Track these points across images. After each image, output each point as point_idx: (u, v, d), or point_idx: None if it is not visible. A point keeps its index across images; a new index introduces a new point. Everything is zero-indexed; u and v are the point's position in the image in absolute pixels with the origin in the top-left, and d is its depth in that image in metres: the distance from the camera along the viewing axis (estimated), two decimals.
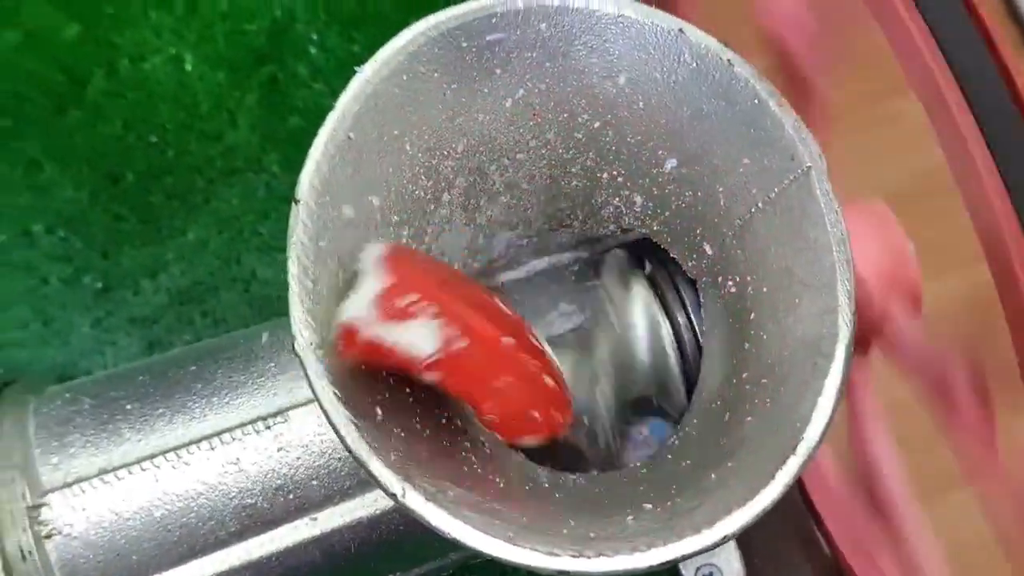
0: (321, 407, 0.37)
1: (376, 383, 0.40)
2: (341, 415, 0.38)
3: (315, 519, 0.48)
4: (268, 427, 0.48)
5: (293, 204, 0.41)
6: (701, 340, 0.48)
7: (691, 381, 0.49)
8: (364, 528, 0.48)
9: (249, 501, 0.47)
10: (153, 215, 0.73)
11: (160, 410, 0.48)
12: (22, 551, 0.45)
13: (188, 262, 0.71)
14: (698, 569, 0.59)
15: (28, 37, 0.76)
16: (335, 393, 0.38)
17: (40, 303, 0.71)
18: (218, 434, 0.47)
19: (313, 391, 0.38)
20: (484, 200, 0.49)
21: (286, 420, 0.47)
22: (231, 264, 0.71)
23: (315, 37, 0.76)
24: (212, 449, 0.47)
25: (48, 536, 0.46)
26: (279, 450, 0.48)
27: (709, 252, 0.47)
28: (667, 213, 0.49)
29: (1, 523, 0.45)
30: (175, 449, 0.47)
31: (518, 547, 0.37)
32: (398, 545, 0.49)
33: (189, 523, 0.47)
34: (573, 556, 0.38)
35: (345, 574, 0.48)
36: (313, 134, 0.64)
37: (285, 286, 0.47)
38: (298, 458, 0.47)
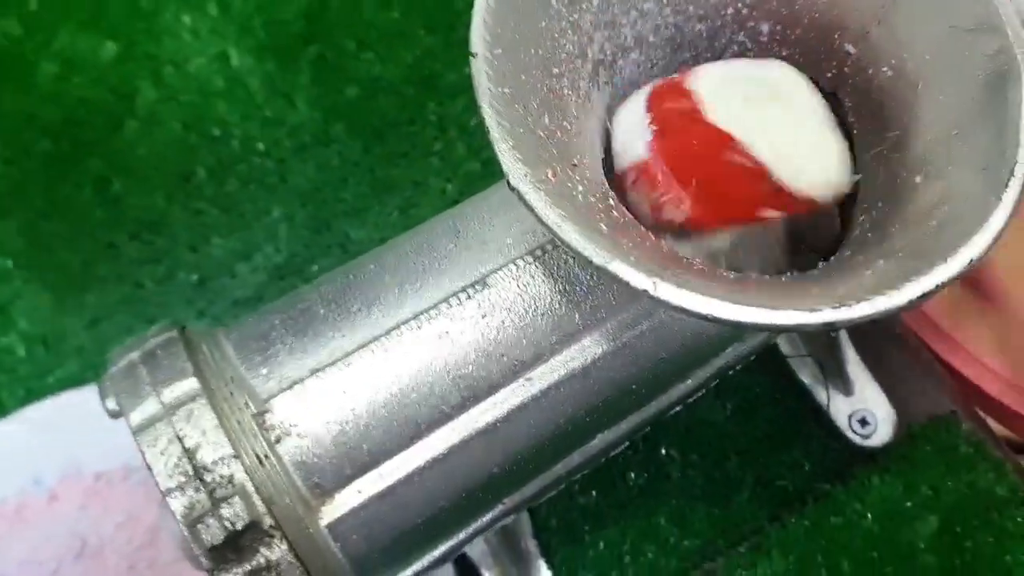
0: (551, 230, 0.38)
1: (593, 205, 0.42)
2: (572, 232, 0.39)
3: (529, 379, 0.48)
4: (469, 296, 0.48)
5: (471, 58, 0.43)
6: None
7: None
8: (577, 379, 0.48)
9: (464, 371, 0.47)
10: (233, 203, 0.73)
11: (355, 307, 0.48)
12: (258, 457, 0.45)
13: (279, 239, 0.71)
14: (851, 415, 0.61)
15: (67, 65, 0.77)
16: (561, 214, 0.39)
17: (140, 307, 0.71)
18: (421, 313, 0.48)
19: (538, 216, 0.39)
20: (619, 56, 0.51)
21: (485, 286, 0.48)
22: (322, 232, 0.71)
23: (351, 11, 0.77)
24: (419, 328, 0.47)
25: (278, 440, 0.46)
26: (483, 316, 0.48)
27: (852, 51, 0.49)
28: (798, 31, 0.51)
29: (234, 433, 0.44)
30: (381, 336, 0.47)
31: (779, 310, 0.38)
32: (609, 394, 0.49)
33: (411, 403, 0.47)
34: (834, 308, 0.39)
35: (562, 431, 0.49)
36: (374, 100, 0.66)
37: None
38: (503, 321, 0.48)
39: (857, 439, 0.64)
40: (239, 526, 0.42)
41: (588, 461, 0.52)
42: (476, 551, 0.62)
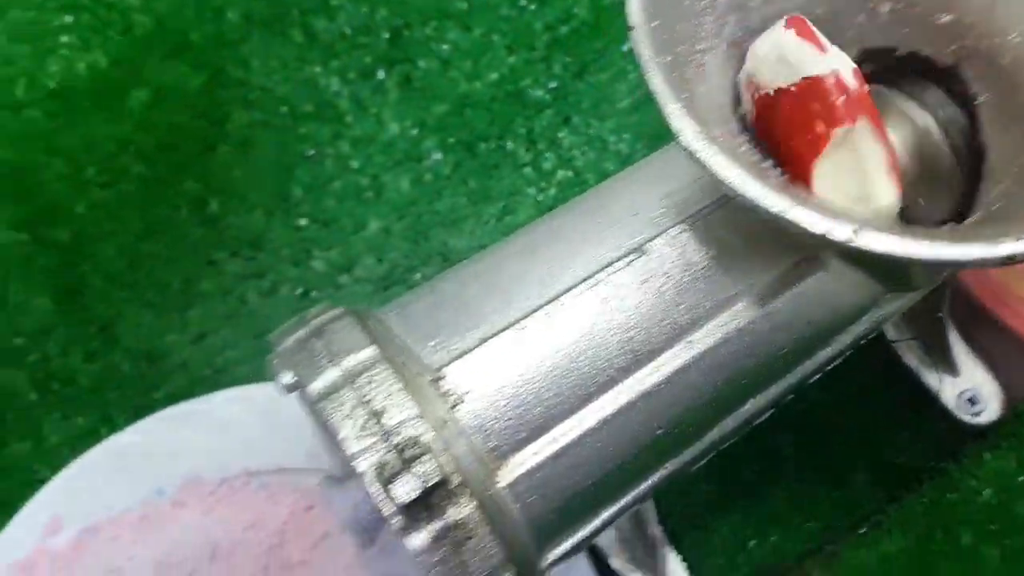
0: (731, 185, 0.40)
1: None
2: (756, 187, 0.41)
3: (690, 342, 0.49)
4: (627, 264, 0.50)
5: (630, 31, 0.45)
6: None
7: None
8: (732, 342, 0.50)
9: (628, 335, 0.49)
10: (331, 218, 0.75)
11: (509, 282, 0.50)
12: (440, 420, 0.46)
13: (379, 251, 0.73)
14: (960, 395, 0.62)
15: (156, 93, 0.79)
16: (740, 170, 0.41)
17: (245, 321, 0.72)
18: (581, 282, 0.49)
19: (717, 172, 0.41)
20: (748, 38, 0.53)
21: (642, 254, 0.50)
22: (420, 242, 0.73)
23: (434, 33, 0.80)
24: (581, 295, 0.49)
25: (455, 405, 0.47)
26: (643, 282, 0.50)
27: (975, 22, 0.52)
28: (917, 9, 0.53)
29: (415, 398, 0.45)
30: (544, 305, 0.49)
31: (969, 245, 0.40)
32: (760, 356, 0.51)
33: (579, 368, 0.48)
34: (1016, 240, 0.40)
35: (719, 393, 0.50)
36: (462, 116, 0.68)
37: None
38: (661, 286, 0.50)
39: (967, 418, 0.66)
40: (432, 482, 0.43)
41: (739, 427, 0.53)
42: (605, 538, 0.62)
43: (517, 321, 0.48)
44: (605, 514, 0.50)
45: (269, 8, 0.79)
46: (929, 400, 0.66)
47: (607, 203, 0.52)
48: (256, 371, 0.69)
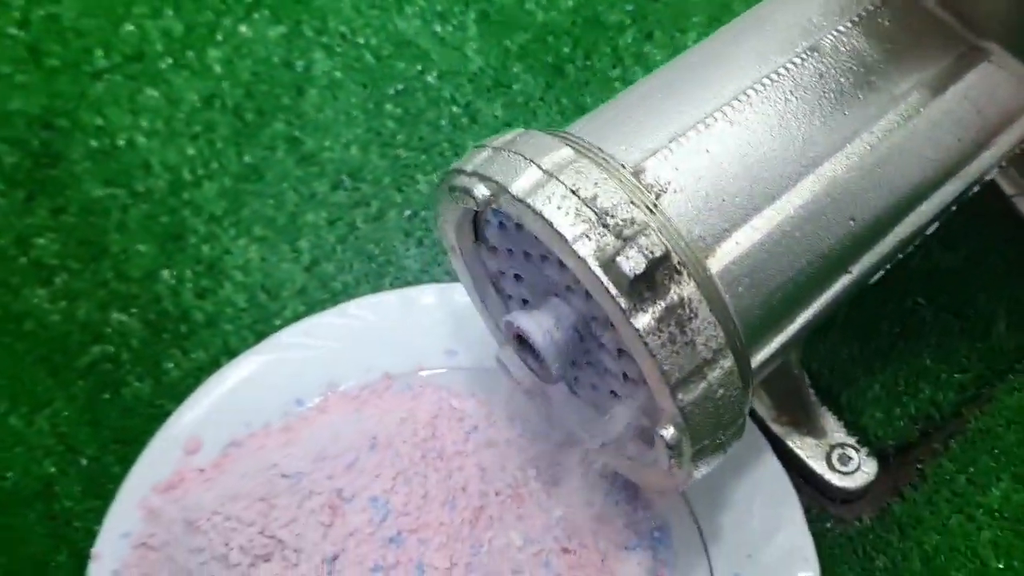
0: None
1: None
2: None
3: (872, 132, 0.50)
4: (803, 61, 0.51)
5: None
6: None
7: None
8: (912, 129, 0.51)
9: (813, 126, 0.50)
10: (429, 145, 0.75)
11: (690, 87, 0.50)
12: (646, 207, 0.46)
13: None
14: None
15: (236, 50, 0.79)
16: None
17: (358, 245, 0.71)
18: (763, 79, 0.50)
19: None
20: None
21: (817, 50, 0.51)
22: None
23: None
24: (764, 90, 0.50)
25: (658, 196, 0.47)
26: (820, 77, 0.50)
27: None
28: None
29: (622, 187, 0.45)
30: (731, 101, 0.49)
31: None
32: (938, 146, 0.51)
33: (771, 159, 0.49)
34: None
35: (906, 181, 0.50)
36: (545, 43, 0.68)
37: None
38: (840, 81, 0.51)
39: None
40: (656, 254, 0.42)
41: (915, 233, 0.53)
42: (762, 407, 0.62)
43: (706, 118, 0.49)
44: (801, 318, 0.50)
45: None
46: None
47: (770, 15, 0.53)
48: (376, 290, 0.68)
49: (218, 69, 0.79)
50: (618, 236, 0.44)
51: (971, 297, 0.66)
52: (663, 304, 0.44)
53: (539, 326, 0.49)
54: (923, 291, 0.66)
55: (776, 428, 0.62)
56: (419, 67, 0.79)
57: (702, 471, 0.48)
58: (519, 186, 0.45)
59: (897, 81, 0.51)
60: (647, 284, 0.43)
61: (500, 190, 0.46)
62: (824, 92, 0.50)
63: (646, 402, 0.49)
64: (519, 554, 0.56)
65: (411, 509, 0.58)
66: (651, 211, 0.45)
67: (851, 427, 0.63)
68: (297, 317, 0.68)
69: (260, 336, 0.67)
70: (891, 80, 0.51)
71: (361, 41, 0.80)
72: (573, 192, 0.45)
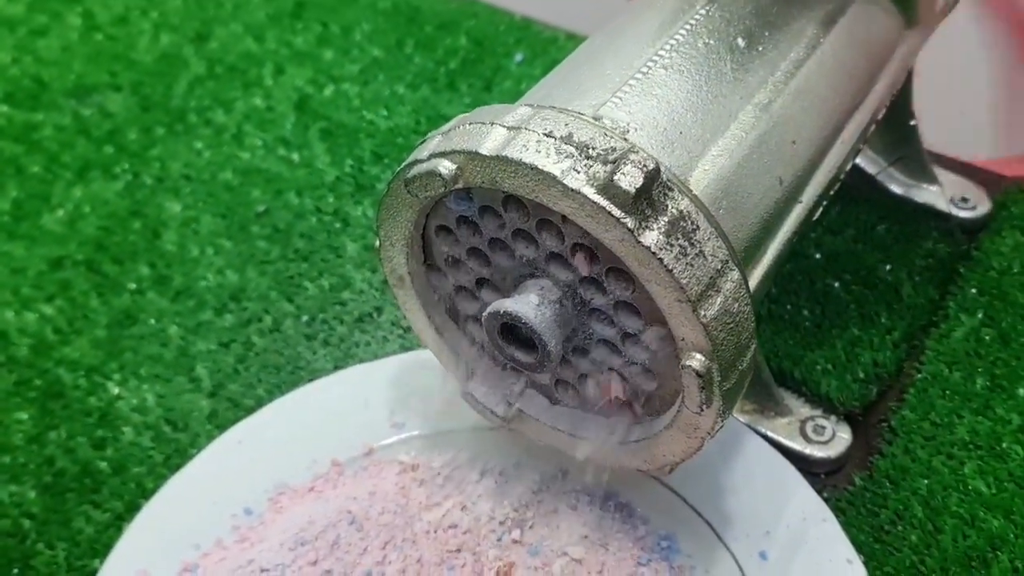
0: None
1: None
2: None
3: (787, 62, 0.53)
4: (707, 11, 0.53)
5: None
6: None
7: None
8: (817, 57, 0.54)
9: (739, 63, 0.52)
10: (308, 252, 0.73)
11: (615, 52, 0.52)
12: (620, 138, 0.46)
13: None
14: (951, 199, 0.69)
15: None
16: None
17: (260, 360, 0.68)
18: (677, 31, 0.52)
19: None
20: None
21: (713, 3, 0.53)
22: None
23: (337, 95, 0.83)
24: (683, 37, 0.52)
25: (624, 133, 0.47)
26: (727, 23, 0.53)
27: None
28: None
29: (588, 125, 0.46)
30: (657, 51, 0.51)
31: None
32: (841, 72, 0.55)
33: (711, 92, 0.50)
34: None
35: (826, 105, 0.53)
36: (397, 145, 0.71)
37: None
38: (746, 22, 0.53)
39: (965, 214, 0.71)
40: (651, 166, 0.43)
41: (837, 170, 0.55)
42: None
43: (641, 67, 0.50)
44: (773, 246, 0.50)
45: None
46: (927, 211, 0.71)
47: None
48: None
49: (60, 230, 0.75)
50: (605, 163, 0.43)
51: (872, 269, 0.68)
52: (665, 219, 0.43)
53: (527, 304, 0.47)
54: (828, 274, 0.68)
55: (743, 418, 0.61)
56: (276, 188, 0.77)
57: (727, 412, 0.47)
58: (489, 146, 0.44)
59: (795, 18, 0.54)
60: (647, 200, 0.43)
61: (467, 158, 0.45)
62: (735, 34, 0.52)
63: (655, 350, 0.47)
64: None
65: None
66: (625, 141, 0.45)
67: (812, 401, 0.62)
68: None
69: (178, 471, 0.61)
70: (790, 18, 0.53)
71: (207, 178, 0.78)
72: (547, 135, 0.44)
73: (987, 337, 0.65)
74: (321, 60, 0.86)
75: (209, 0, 0.92)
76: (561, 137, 0.44)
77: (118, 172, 0.78)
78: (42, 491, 0.62)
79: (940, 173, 0.72)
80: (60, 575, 0.58)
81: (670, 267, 0.43)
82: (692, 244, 0.43)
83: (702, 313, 0.43)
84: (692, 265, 0.43)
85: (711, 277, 0.44)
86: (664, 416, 0.50)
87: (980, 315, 0.66)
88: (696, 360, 0.44)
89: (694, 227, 0.44)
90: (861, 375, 0.63)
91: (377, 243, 0.53)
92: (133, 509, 0.59)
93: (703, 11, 0.53)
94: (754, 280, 0.49)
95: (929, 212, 0.72)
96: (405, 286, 0.53)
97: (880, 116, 0.59)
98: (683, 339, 0.45)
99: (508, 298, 0.48)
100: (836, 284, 0.68)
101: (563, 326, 0.48)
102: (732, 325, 0.44)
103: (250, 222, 0.75)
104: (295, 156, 0.79)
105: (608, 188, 0.42)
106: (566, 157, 0.43)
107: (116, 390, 0.66)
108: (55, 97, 0.84)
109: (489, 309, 0.48)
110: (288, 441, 0.60)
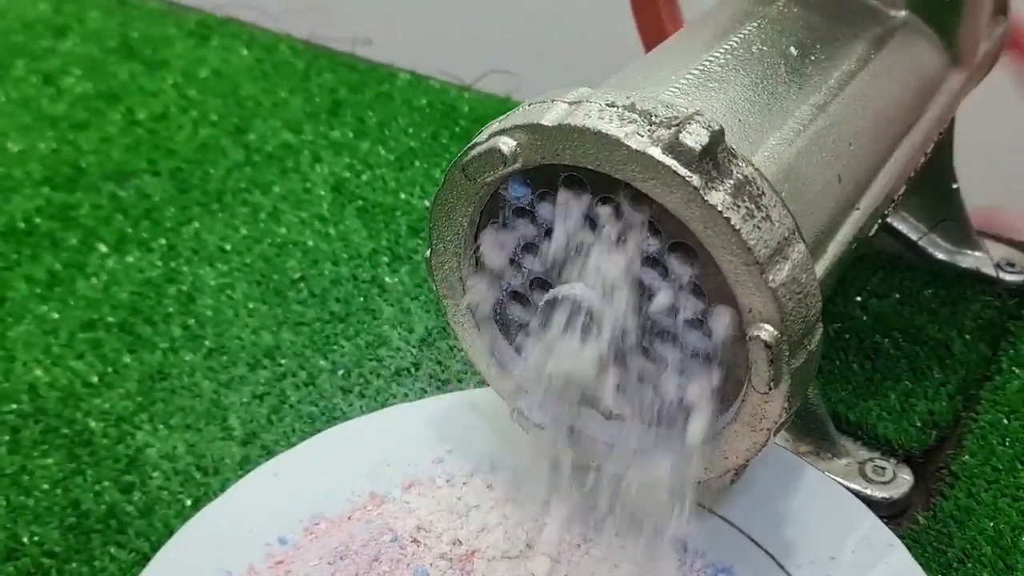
0: None
1: None
2: None
3: (837, 76, 0.54)
4: (758, 25, 0.55)
5: None
6: None
7: None
8: (864, 79, 0.55)
9: (798, 74, 0.53)
10: (345, 314, 0.73)
11: (670, 58, 0.53)
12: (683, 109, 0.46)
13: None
14: (997, 264, 0.69)
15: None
16: None
17: (294, 412, 0.67)
18: (728, 40, 0.53)
19: None
20: None
21: (764, 19, 0.55)
22: None
23: None
24: (735, 44, 0.53)
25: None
26: (779, 34, 0.55)
27: None
28: None
29: (650, 99, 0.46)
30: (710, 54, 0.52)
31: None
32: (888, 96, 0.56)
33: (768, 89, 0.51)
34: None
35: (878, 122, 0.54)
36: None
37: None
38: (798, 34, 0.55)
39: (1013, 277, 0.71)
40: (715, 127, 0.43)
41: (892, 187, 0.55)
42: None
43: (697, 66, 0.51)
44: (832, 246, 0.50)
45: None
46: (970, 276, 0.71)
47: (704, 18, 0.56)
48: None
49: (93, 295, 0.74)
50: (669, 127, 0.43)
51: (920, 328, 0.67)
52: (731, 182, 0.43)
53: (588, 287, 0.46)
54: (877, 332, 0.67)
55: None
56: (312, 259, 0.77)
57: (796, 398, 0.45)
58: (551, 118, 0.45)
59: (845, 35, 0.55)
60: (713, 162, 0.42)
61: (528, 132, 0.45)
62: (787, 44, 0.53)
63: (719, 334, 0.46)
64: None
65: None
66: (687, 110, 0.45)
67: (869, 445, 0.60)
68: None
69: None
70: (840, 35, 0.55)
71: (243, 249, 0.78)
72: (609, 105, 0.44)
73: None
74: (358, 150, 0.87)
75: (248, 99, 0.94)
76: (624, 106, 0.44)
77: (154, 246, 0.78)
78: (65, 531, 0.59)
79: (983, 241, 0.72)
80: None
81: (737, 227, 0.42)
82: (759, 207, 0.43)
83: (770, 277, 0.42)
84: (759, 228, 0.42)
85: (778, 242, 0.43)
86: (727, 413, 0.48)
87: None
88: (765, 331, 0.43)
89: (760, 192, 0.43)
90: (918, 423, 0.61)
91: (428, 252, 0.52)
92: (160, 548, 0.56)
93: (755, 24, 0.54)
94: (818, 272, 0.48)
95: (975, 276, 0.71)
96: (456, 295, 0.52)
97: (929, 151, 0.59)
98: (750, 310, 0.43)
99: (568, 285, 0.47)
100: (886, 341, 0.67)
101: (625, 314, 0.47)
102: (800, 295, 0.43)
103: (285, 288, 0.74)
104: (331, 231, 0.79)
105: (673, 147, 0.42)
106: (629, 122, 0.43)
107: (146, 439, 0.64)
108: (94, 181, 0.85)
109: (549, 293, 0.47)
110: (325, 474, 0.57)
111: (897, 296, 0.70)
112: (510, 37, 1.08)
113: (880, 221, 0.55)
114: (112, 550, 0.58)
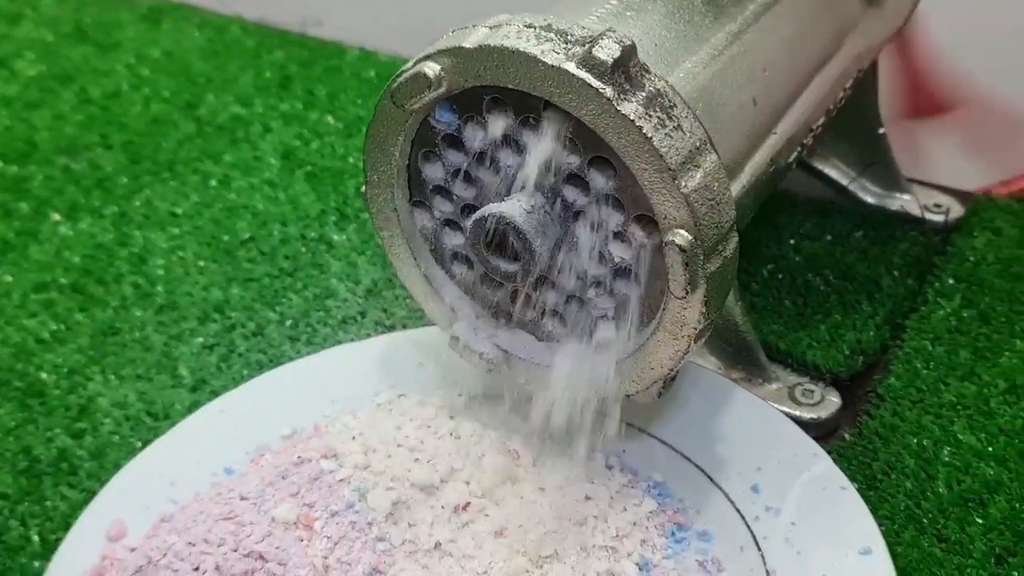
0: None
1: None
2: None
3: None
4: None
5: None
6: None
7: None
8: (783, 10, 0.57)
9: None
10: (293, 268, 0.74)
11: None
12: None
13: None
14: (923, 206, 0.72)
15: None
16: None
17: (243, 359, 0.68)
18: None
19: None
20: None
21: None
22: None
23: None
24: None
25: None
26: None
27: None
28: None
29: (566, 21, 0.48)
30: None
31: None
32: (806, 28, 0.58)
33: (684, 19, 0.53)
34: None
35: (793, 49, 0.56)
36: None
37: None
38: None
39: (939, 218, 0.74)
40: (627, 42, 0.45)
41: (810, 116, 0.57)
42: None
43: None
44: (748, 168, 0.52)
45: None
46: (899, 218, 0.73)
47: None
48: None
49: (46, 259, 0.76)
50: (583, 44, 0.45)
51: (851, 266, 0.70)
52: (643, 94, 0.45)
53: (514, 204, 0.48)
54: (809, 271, 0.69)
55: None
56: (261, 220, 0.78)
57: (713, 305, 0.47)
58: (472, 40, 0.46)
59: None
60: (625, 75, 0.44)
61: (451, 56, 0.47)
62: None
63: (639, 244, 0.48)
64: None
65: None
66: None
67: (798, 371, 0.62)
68: None
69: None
70: None
71: (194, 214, 0.79)
72: (528, 26, 0.46)
73: (967, 316, 0.66)
74: (307, 120, 0.89)
75: (199, 76, 0.95)
76: (541, 27, 0.46)
77: (106, 213, 0.79)
78: (17, 475, 0.60)
79: (911, 185, 0.75)
80: (32, 548, 0.56)
81: (649, 135, 0.44)
82: (671, 118, 0.45)
83: (683, 183, 0.44)
84: (671, 136, 0.45)
85: (690, 151, 0.45)
86: (650, 325, 0.50)
87: (958, 299, 0.67)
88: (679, 235, 0.45)
89: (671, 104, 0.45)
90: (846, 351, 0.63)
91: (363, 185, 0.54)
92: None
93: None
94: (734, 191, 0.50)
95: (903, 218, 0.73)
96: (392, 225, 0.54)
97: (848, 86, 0.61)
98: (665, 217, 0.45)
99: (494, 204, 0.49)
100: (817, 279, 0.69)
101: (549, 229, 0.49)
102: (713, 202, 0.45)
103: (235, 247, 0.75)
104: (281, 195, 0.80)
105: (586, 60, 0.44)
106: (546, 41, 0.45)
107: (97, 388, 0.65)
108: (47, 155, 0.86)
109: (476, 215, 0.49)
110: (270, 411, 0.59)
111: (829, 238, 0.72)
112: (458, 18, 1.10)
113: (800, 150, 0.57)
114: (63, 490, 0.59)
